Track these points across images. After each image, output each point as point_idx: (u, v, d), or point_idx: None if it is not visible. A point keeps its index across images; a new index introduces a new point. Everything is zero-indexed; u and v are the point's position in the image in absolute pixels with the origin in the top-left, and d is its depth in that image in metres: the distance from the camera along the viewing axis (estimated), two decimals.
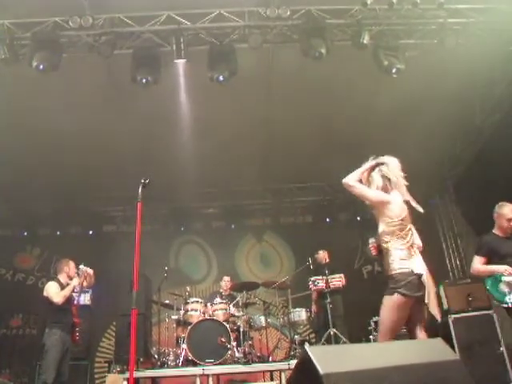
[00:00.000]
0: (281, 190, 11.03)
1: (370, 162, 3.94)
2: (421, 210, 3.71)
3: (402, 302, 3.54)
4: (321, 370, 2.61)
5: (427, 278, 3.64)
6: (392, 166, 3.87)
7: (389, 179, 3.83)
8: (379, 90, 7.04)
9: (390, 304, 3.59)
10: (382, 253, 3.80)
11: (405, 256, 3.64)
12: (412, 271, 3.59)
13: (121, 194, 8.69)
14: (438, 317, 3.77)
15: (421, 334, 3.65)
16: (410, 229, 3.74)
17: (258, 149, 8.38)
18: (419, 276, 3.59)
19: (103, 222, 10.82)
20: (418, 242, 3.87)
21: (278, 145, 8.57)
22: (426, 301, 3.60)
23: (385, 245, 3.73)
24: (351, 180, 3.86)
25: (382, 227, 3.76)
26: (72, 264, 6.21)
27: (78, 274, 6.13)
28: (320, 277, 7.92)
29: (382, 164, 3.88)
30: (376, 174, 3.89)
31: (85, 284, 6.19)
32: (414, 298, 3.55)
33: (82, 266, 6.16)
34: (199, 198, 10.54)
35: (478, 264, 5.12)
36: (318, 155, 8.83)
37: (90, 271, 6.16)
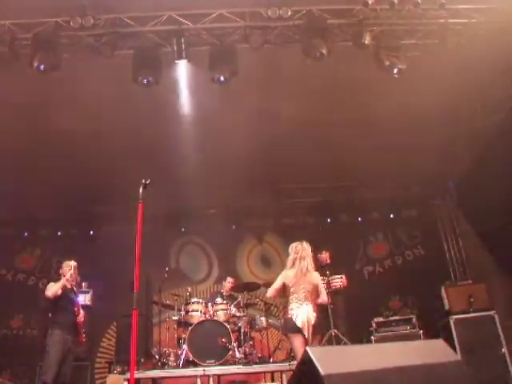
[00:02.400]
0: (282, 190, 11.00)
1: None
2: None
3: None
4: (322, 371, 2.61)
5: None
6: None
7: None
8: (381, 90, 7.03)
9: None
10: None
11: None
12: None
13: (122, 194, 8.69)
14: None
15: None
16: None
17: (258, 149, 8.38)
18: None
19: (104, 223, 10.83)
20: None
21: (278, 145, 8.56)
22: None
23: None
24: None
25: None
26: (66, 263, 6.27)
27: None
28: (321, 278, 7.89)
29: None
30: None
31: (71, 278, 6.16)
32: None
33: (71, 262, 6.23)
34: (200, 199, 10.48)
35: None
36: (320, 156, 8.84)
37: (73, 263, 6.18)
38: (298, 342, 5.39)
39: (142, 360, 7.77)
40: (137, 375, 6.19)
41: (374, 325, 8.03)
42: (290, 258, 5.90)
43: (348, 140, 8.23)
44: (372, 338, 7.82)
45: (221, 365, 6.71)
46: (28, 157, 8.36)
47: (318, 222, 11.24)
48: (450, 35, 6.48)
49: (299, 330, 5.38)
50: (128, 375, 6.13)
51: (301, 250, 5.87)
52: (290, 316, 5.52)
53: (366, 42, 6.36)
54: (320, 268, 8.14)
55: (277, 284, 5.71)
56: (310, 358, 2.75)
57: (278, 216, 11.48)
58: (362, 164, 8.99)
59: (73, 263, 6.23)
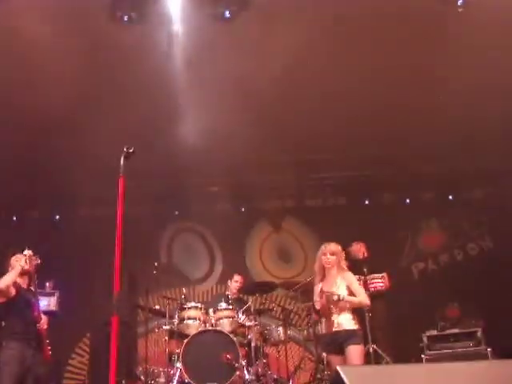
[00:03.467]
0: (305, 162, 10.83)
1: None
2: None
3: None
4: None
5: None
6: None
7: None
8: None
9: None
10: None
11: None
12: None
13: (96, 166, 8.67)
14: None
15: None
16: None
17: (274, 109, 8.31)
18: None
19: (73, 204, 10.86)
20: None
21: (299, 103, 8.50)
22: None
23: None
24: None
25: None
26: (16, 256, 6.15)
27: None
28: (356, 276, 7.49)
29: None
30: None
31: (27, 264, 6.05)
32: None
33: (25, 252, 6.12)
34: (199, 173, 10.46)
35: None
36: (354, 117, 8.80)
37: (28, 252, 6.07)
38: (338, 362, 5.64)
39: (124, 382, 7.80)
40: None
41: (425, 339, 7.96)
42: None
43: (399, 99, 8.29)
44: (423, 356, 7.77)
45: None
46: None
47: (352, 203, 11.28)
48: None
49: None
50: None
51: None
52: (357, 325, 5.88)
53: None
54: (354, 264, 8.14)
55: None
56: (341, 380, 2.79)
57: (300, 196, 11.47)
58: (415, 129, 8.97)
59: (27, 252, 6.06)
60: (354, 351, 5.59)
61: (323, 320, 6.71)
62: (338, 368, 2.94)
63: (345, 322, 5.77)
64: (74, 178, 9.50)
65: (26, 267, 5.99)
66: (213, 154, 9.52)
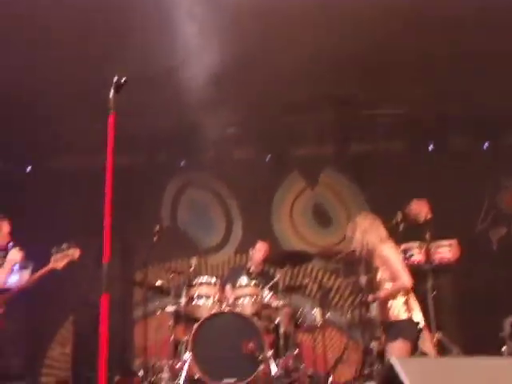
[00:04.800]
0: (350, 96, 10.47)
1: None
2: None
3: None
4: None
5: None
6: None
7: None
8: None
9: None
10: None
11: None
12: None
13: (78, 101, 8.67)
14: None
15: None
16: None
17: (310, 32, 8.26)
18: None
19: (51, 152, 10.92)
20: None
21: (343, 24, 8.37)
22: None
23: None
24: None
25: None
26: (5, 226, 6.65)
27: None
28: (415, 244, 8.07)
29: None
30: None
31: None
32: None
33: (64, 245, 6.62)
34: (213, 110, 10.09)
35: None
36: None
37: (75, 255, 6.56)
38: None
39: (117, 378, 8.01)
40: None
41: (507, 327, 7.99)
42: None
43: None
44: (504, 349, 7.79)
45: None
46: None
47: (412, 149, 11.24)
48: None
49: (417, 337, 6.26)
50: None
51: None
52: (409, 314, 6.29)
53: None
54: (413, 229, 8.28)
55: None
56: (395, 375, 2.90)
57: (343, 139, 11.38)
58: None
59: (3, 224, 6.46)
60: (397, 349, 6.02)
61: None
62: (393, 360, 3.05)
63: (393, 309, 6.13)
64: (51, 117, 9.60)
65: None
66: (232, 86, 9.37)
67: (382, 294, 6.30)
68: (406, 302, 6.22)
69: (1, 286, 6.61)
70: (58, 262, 6.54)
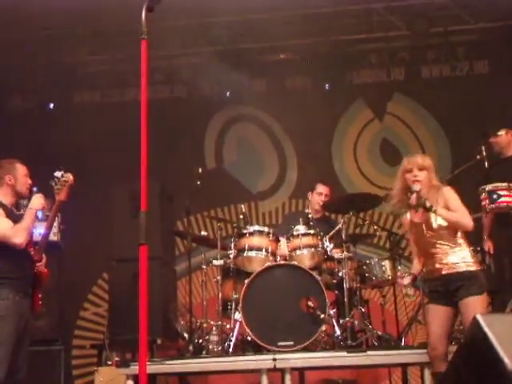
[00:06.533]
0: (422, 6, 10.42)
1: None
2: None
3: None
4: (509, 362, 2.86)
5: None
6: None
7: None
8: None
9: None
10: None
11: None
12: None
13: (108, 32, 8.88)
14: None
15: None
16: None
17: None
18: None
19: (74, 87, 11.04)
20: None
21: None
22: None
23: None
24: None
25: None
26: (21, 168, 6.37)
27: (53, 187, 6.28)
28: (504, 185, 7.56)
29: None
30: None
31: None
32: None
33: (58, 173, 6.29)
34: (263, 32, 10.24)
35: None
36: None
37: (70, 178, 6.30)
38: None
39: (159, 341, 7.92)
40: (151, 369, 6.23)
41: None
42: None
43: None
44: None
45: (306, 351, 6.71)
46: None
47: (498, 72, 10.91)
48: None
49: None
50: (134, 369, 6.35)
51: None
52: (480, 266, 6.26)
53: None
54: (500, 165, 8.31)
55: None
56: (483, 336, 3.01)
57: (415, 62, 11.21)
58: None
59: (19, 166, 6.28)
60: (473, 306, 5.67)
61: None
62: (478, 317, 3.14)
63: (457, 259, 5.88)
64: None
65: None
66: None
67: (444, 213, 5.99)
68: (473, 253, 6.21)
69: (36, 239, 6.55)
70: (61, 194, 6.28)
